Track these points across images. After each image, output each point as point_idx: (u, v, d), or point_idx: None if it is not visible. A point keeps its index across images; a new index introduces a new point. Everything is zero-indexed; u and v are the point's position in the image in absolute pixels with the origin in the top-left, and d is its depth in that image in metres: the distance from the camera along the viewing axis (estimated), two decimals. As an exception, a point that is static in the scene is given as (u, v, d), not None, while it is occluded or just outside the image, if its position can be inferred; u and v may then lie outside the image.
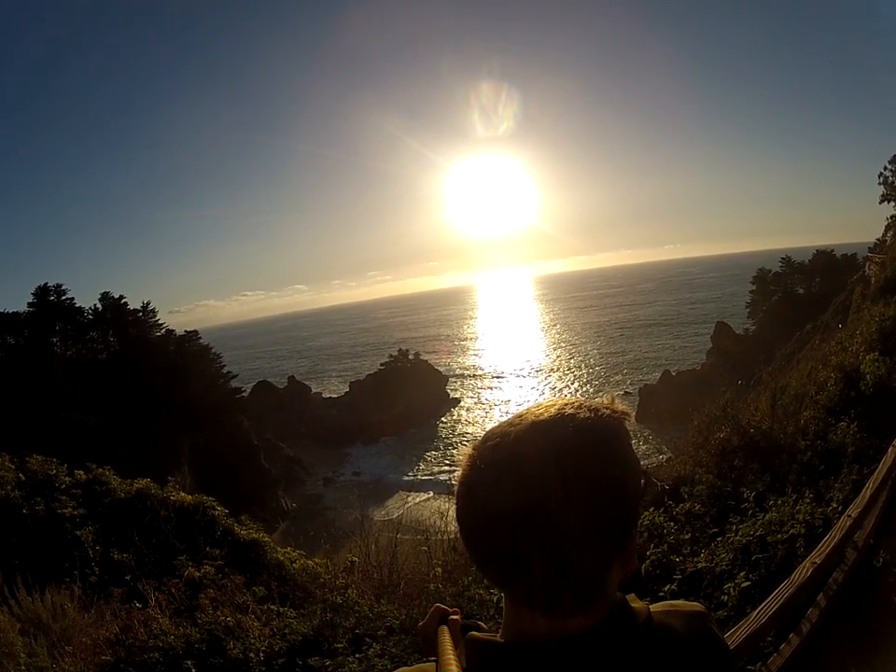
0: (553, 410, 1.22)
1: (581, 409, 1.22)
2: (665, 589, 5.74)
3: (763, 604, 4.07)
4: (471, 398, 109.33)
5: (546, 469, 1.13)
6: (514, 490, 1.14)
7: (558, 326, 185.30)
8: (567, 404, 1.23)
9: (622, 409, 1.27)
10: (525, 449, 1.17)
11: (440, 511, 10.41)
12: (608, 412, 1.24)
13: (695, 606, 1.46)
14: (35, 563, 8.65)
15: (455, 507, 1.27)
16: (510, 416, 1.27)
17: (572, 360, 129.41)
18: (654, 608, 1.37)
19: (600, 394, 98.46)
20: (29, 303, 72.62)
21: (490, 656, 1.26)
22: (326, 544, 12.62)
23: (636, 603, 1.30)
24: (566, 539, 1.13)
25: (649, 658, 1.24)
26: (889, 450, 6.40)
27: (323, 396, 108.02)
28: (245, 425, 74.06)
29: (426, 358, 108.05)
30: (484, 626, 1.60)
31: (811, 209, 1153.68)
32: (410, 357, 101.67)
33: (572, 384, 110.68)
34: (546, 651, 1.20)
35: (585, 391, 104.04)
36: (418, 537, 10.42)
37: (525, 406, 1.28)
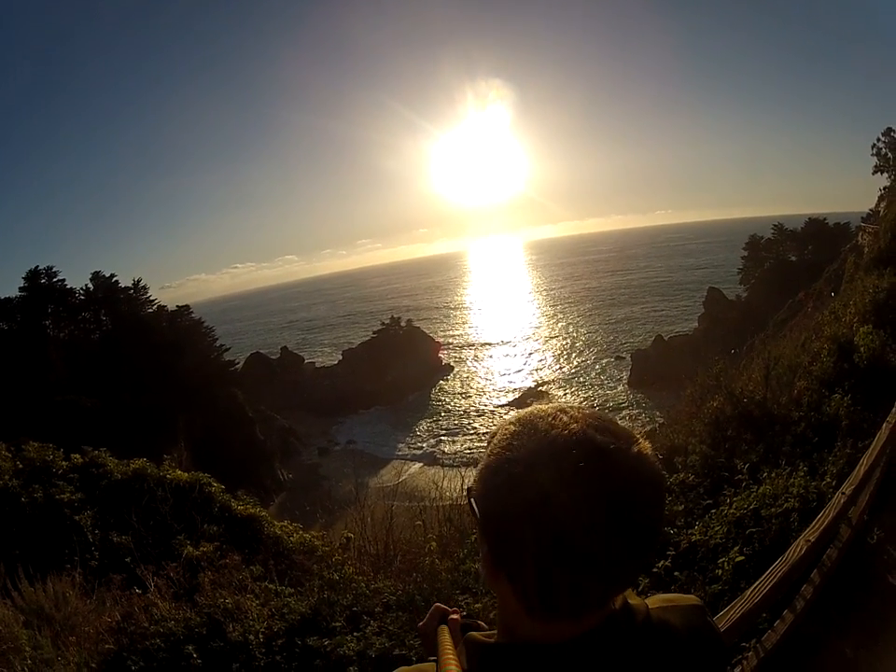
0: (575, 427, 1.20)
1: (604, 432, 1.20)
2: (660, 565, 5.77)
3: (758, 582, 4.08)
4: (465, 364, 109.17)
5: (566, 487, 1.13)
6: (523, 496, 1.15)
7: (550, 292, 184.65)
8: (591, 426, 1.20)
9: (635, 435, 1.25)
10: (543, 473, 1.15)
11: (434, 481, 10.42)
12: (627, 434, 1.22)
13: (692, 599, 1.48)
14: (35, 551, 8.68)
15: (476, 501, 1.26)
16: (531, 419, 1.26)
17: (564, 325, 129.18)
18: (651, 602, 1.38)
19: (593, 359, 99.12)
20: (20, 288, 72.75)
21: (490, 657, 1.27)
22: (321, 518, 12.66)
23: (633, 599, 1.31)
24: (570, 546, 1.12)
25: (649, 657, 1.25)
26: (884, 426, 6.38)
27: (316, 366, 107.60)
28: (239, 397, 73.88)
29: (418, 325, 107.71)
30: (484, 626, 1.62)
31: (803, 178, 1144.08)
32: (402, 323, 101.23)
33: (566, 349, 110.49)
34: (547, 652, 1.21)
35: (578, 356, 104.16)
36: (414, 503, 10.46)
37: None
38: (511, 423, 1.29)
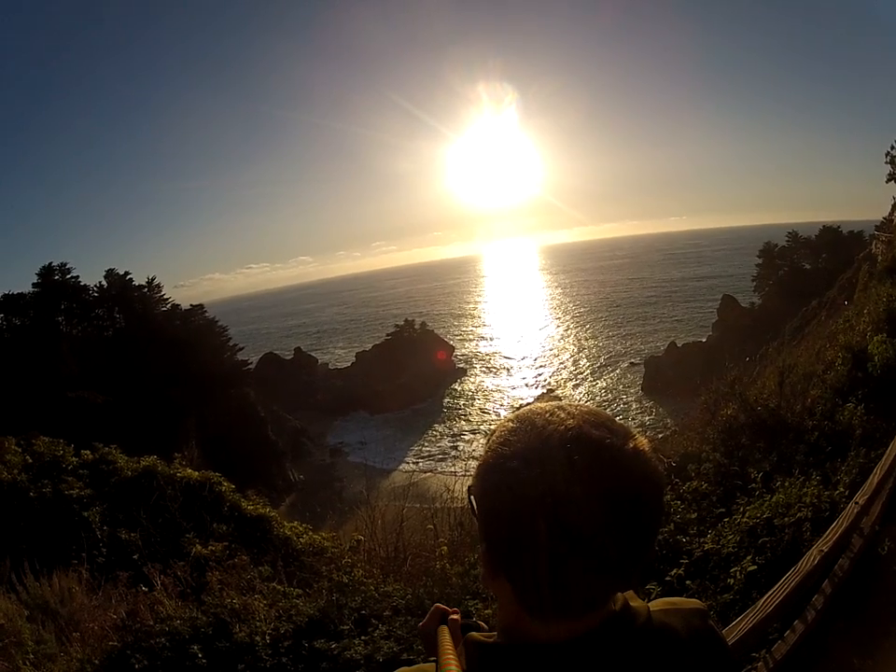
0: (571, 423, 1.20)
1: (601, 428, 1.20)
2: (672, 573, 5.73)
3: (770, 592, 4.06)
4: (477, 368, 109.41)
5: (563, 483, 1.12)
6: (522, 493, 1.14)
7: (564, 297, 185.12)
8: (587, 421, 1.20)
9: (632, 431, 1.25)
10: (540, 469, 1.15)
11: (445, 484, 10.39)
12: (624, 430, 1.23)
13: (695, 603, 1.47)
14: (42, 546, 8.73)
15: (475, 498, 1.26)
16: (529, 415, 1.26)
17: (578, 331, 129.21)
18: (653, 605, 1.37)
19: (606, 365, 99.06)
20: (34, 284, 73.56)
21: (490, 657, 1.27)
22: (331, 519, 12.66)
23: (635, 601, 1.31)
24: (572, 545, 1.11)
25: (649, 659, 1.25)
26: (897, 436, 6.39)
27: (329, 367, 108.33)
28: (251, 397, 74.39)
29: (431, 329, 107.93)
30: (485, 626, 1.61)
31: (817, 184, 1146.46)
32: (416, 326, 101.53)
33: (579, 355, 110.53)
34: (547, 653, 1.21)
35: (591, 362, 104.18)
36: (425, 506, 10.46)
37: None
38: (509, 420, 1.29)
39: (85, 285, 76.58)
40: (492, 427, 1.33)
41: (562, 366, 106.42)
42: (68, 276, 75.59)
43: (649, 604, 1.35)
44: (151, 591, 7.00)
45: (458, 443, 76.27)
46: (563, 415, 1.22)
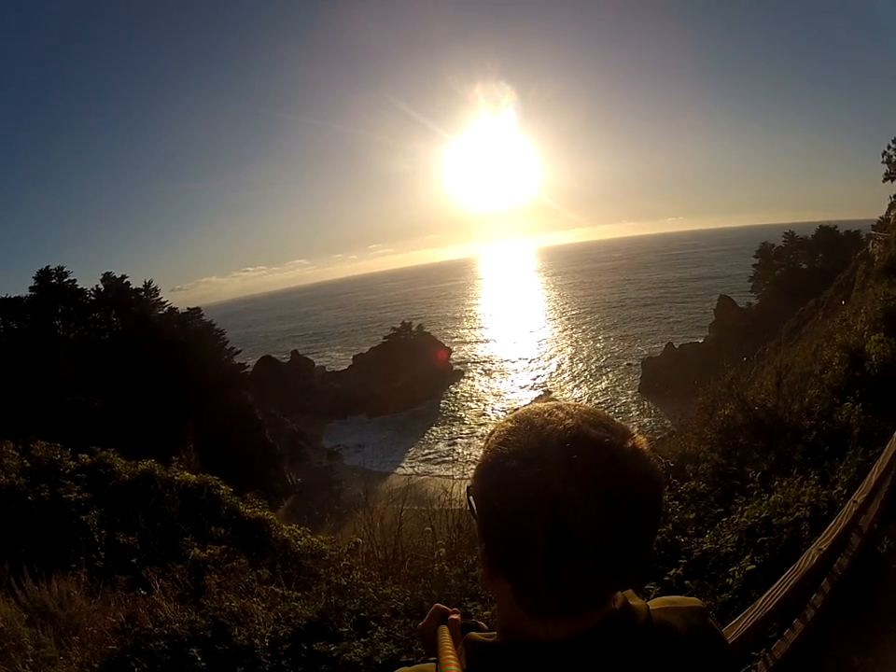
0: (570, 423, 1.20)
1: (599, 427, 1.20)
2: (671, 573, 5.73)
3: (769, 591, 4.05)
4: (475, 371, 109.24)
5: (562, 482, 1.12)
6: (522, 493, 1.14)
7: (561, 298, 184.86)
8: (586, 421, 1.21)
9: (631, 430, 1.25)
10: (539, 468, 1.14)
11: (443, 487, 10.39)
12: (622, 429, 1.23)
13: (693, 601, 1.47)
14: (41, 550, 8.70)
15: (475, 499, 1.26)
16: (528, 415, 1.26)
17: (575, 332, 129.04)
18: (653, 604, 1.38)
19: (604, 366, 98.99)
20: (31, 287, 73.62)
21: (490, 657, 1.27)
22: (329, 522, 12.65)
23: (634, 600, 1.30)
24: (569, 545, 1.12)
25: (649, 658, 1.25)
26: (895, 434, 6.37)
27: (326, 370, 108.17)
28: (248, 400, 74.24)
29: (428, 331, 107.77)
30: (484, 626, 1.61)
31: (813, 184, 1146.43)
32: (413, 329, 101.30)
33: (576, 356, 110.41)
34: (546, 653, 1.20)
35: (589, 363, 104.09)
36: (423, 508, 10.45)
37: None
38: (507, 420, 1.29)
39: (82, 288, 76.67)
40: (490, 428, 1.34)
41: (559, 368, 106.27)
42: (65, 280, 75.58)
43: (648, 603, 1.35)
44: (150, 594, 6.99)
45: (456, 446, 76.09)
46: (561, 415, 1.22)
